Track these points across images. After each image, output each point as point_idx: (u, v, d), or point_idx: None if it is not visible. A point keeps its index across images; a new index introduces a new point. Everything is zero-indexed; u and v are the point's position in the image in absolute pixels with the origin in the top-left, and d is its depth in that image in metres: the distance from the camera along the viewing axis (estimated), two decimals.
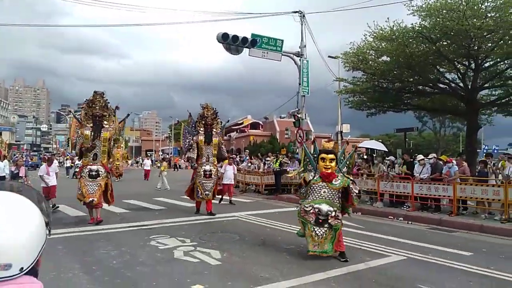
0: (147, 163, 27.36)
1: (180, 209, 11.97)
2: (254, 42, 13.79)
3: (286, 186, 15.83)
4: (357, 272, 5.54)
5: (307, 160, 6.80)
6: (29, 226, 0.95)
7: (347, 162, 6.84)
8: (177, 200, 13.85)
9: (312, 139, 6.89)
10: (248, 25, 16.08)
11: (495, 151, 37.68)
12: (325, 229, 5.99)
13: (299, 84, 15.11)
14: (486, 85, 16.44)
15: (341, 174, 6.35)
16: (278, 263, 5.92)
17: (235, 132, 64.13)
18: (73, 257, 6.16)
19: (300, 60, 15.26)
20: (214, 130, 10.93)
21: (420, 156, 12.14)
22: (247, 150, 31.82)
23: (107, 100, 9.65)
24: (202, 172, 10.57)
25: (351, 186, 6.22)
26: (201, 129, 10.85)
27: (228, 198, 13.49)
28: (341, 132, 25.95)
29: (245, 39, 13.48)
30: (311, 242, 6.05)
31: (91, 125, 9.30)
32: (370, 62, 16.59)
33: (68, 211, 11.15)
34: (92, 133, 9.21)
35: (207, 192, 10.49)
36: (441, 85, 16.69)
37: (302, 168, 6.95)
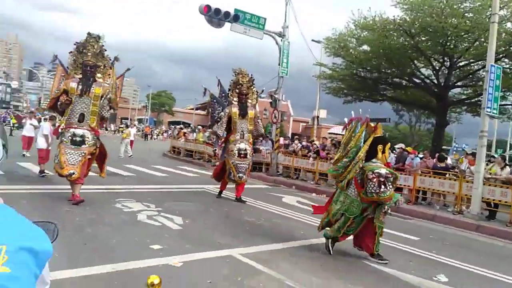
0: (132, 132, 21.43)
1: (149, 177, 12.06)
2: (236, 17, 13.68)
3: (258, 164, 16.11)
4: (310, 246, 5.88)
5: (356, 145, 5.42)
6: None
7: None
8: (148, 169, 13.89)
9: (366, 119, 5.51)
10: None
11: (464, 148, 39.27)
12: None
13: (279, 64, 15.18)
14: (458, 83, 17.08)
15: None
16: (237, 232, 6.19)
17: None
18: (35, 212, 6.21)
19: (282, 40, 15.29)
20: (250, 101, 9.40)
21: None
22: None
23: (103, 46, 7.68)
24: (236, 151, 9.00)
25: None
26: (235, 99, 9.27)
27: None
28: (318, 117, 26.36)
29: (227, 13, 13.35)
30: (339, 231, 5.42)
31: (80, 76, 7.40)
32: (351, 50, 16.87)
33: (35, 169, 11.04)
34: (80, 87, 7.26)
35: (240, 175, 8.99)
36: (416, 80, 17.21)
37: (342, 155, 5.53)
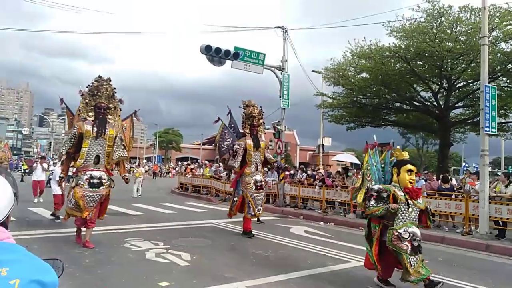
0: (142, 171, 22.61)
1: (157, 215, 12.19)
2: (236, 55, 14.24)
3: (265, 196, 16.14)
4: (316, 275, 5.92)
5: (368, 168, 5.62)
6: (3, 195, 1.33)
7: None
8: (155, 207, 14.06)
9: (374, 143, 5.56)
10: (233, 37, 16.53)
11: (476, 168, 38.91)
12: (419, 255, 5.03)
13: (280, 97, 15.59)
14: (459, 104, 17.30)
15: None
16: (243, 265, 6.27)
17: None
18: (47, 254, 6.34)
19: (281, 73, 15.78)
20: (259, 132, 9.47)
21: None
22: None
23: (114, 89, 7.79)
24: (253, 184, 8.97)
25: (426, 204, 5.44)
26: (247, 131, 9.30)
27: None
28: (323, 145, 26.58)
29: (227, 51, 13.92)
30: (406, 273, 5.05)
31: (92, 118, 7.41)
32: (350, 78, 17.30)
33: (46, 213, 11.27)
34: (96, 129, 7.31)
35: (259, 208, 9.03)
36: (416, 103, 17.48)
37: (361, 182, 5.64)
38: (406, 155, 5.49)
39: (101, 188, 7.24)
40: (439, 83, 16.14)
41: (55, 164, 14.15)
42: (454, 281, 5.86)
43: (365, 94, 17.17)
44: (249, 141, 9.11)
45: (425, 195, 11.02)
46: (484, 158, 9.44)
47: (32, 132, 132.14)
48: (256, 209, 8.95)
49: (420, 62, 15.17)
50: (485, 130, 9.43)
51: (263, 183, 9.29)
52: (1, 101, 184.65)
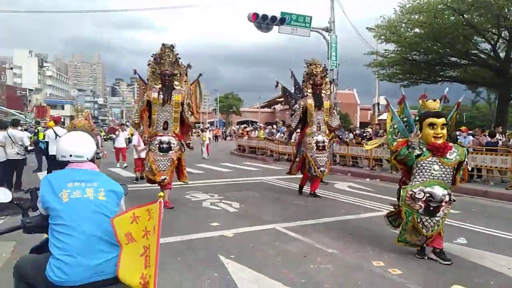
0: (207, 135, 22.20)
1: (216, 173, 13.64)
2: (283, 20, 14.69)
3: None
4: (345, 220, 6.83)
5: (394, 126, 5.24)
6: (91, 144, 2.47)
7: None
8: (215, 166, 15.61)
9: (401, 97, 5.15)
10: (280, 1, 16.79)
11: None
12: (438, 219, 4.69)
13: (328, 58, 15.87)
14: None
15: (454, 144, 4.89)
16: (283, 212, 7.35)
17: (279, 104, 65.07)
18: (128, 205, 7.91)
19: (329, 35, 15.94)
20: (324, 91, 9.14)
21: None
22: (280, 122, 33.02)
23: (177, 55, 7.91)
24: (314, 144, 8.84)
25: (466, 159, 4.83)
26: (309, 90, 9.05)
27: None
28: (378, 104, 26.32)
29: (274, 17, 14.42)
30: (413, 233, 4.82)
31: (159, 86, 7.70)
32: (402, 34, 16.91)
33: (124, 173, 13.20)
34: (162, 96, 7.61)
35: (322, 169, 8.84)
36: (473, 57, 16.71)
37: (389, 136, 5.23)
38: (431, 105, 4.83)
39: (170, 152, 7.58)
40: (498, 34, 15.22)
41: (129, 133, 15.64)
42: (477, 227, 6.39)
43: (418, 50, 16.73)
44: (310, 101, 8.93)
45: (471, 150, 11.10)
46: None
47: (106, 102, 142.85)
48: (319, 170, 8.79)
49: (476, 13, 14.41)
50: None
51: (326, 143, 8.99)
52: (78, 74, 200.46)
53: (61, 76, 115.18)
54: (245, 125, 37.99)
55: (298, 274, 4.26)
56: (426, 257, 4.85)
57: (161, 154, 7.55)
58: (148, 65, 7.97)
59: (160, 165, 7.54)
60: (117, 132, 15.62)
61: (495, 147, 10.81)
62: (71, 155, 2.38)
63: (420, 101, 5.00)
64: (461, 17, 14.30)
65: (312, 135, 8.90)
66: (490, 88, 22.56)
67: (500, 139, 11.53)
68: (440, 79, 19.33)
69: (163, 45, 7.89)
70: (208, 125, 63.65)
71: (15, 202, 2.52)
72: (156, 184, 7.86)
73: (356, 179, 12.71)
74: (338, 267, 4.51)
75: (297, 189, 9.73)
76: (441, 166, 4.65)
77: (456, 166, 4.73)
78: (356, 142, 15.07)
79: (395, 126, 5.24)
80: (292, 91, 9.97)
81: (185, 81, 8.07)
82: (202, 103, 9.09)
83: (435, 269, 4.53)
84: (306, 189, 9.43)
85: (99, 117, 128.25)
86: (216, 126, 59.16)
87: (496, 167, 10.44)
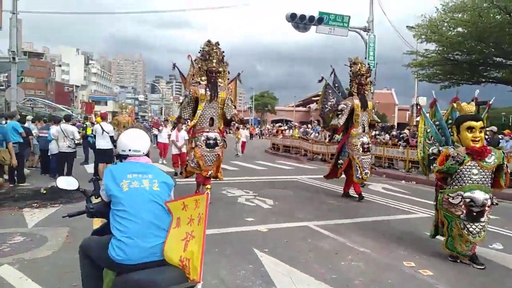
0: (243, 133, 21.01)
1: (250, 171, 13.95)
2: (321, 20, 14.78)
3: None
4: (376, 221, 6.89)
5: (427, 130, 5.28)
6: (147, 140, 2.80)
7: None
8: (249, 164, 15.93)
9: (432, 100, 5.19)
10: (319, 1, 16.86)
11: None
12: (483, 224, 4.62)
13: (366, 58, 15.75)
14: None
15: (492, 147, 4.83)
16: (316, 211, 7.50)
17: (314, 103, 64.72)
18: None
19: (367, 34, 15.82)
20: (367, 91, 8.95)
21: None
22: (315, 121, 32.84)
23: (223, 52, 7.97)
24: (360, 146, 8.57)
25: (505, 162, 4.75)
26: (355, 90, 8.81)
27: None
28: (417, 104, 25.63)
29: (312, 17, 14.54)
30: (462, 243, 4.69)
31: (205, 82, 7.76)
32: (443, 34, 16.46)
33: (164, 168, 13.79)
34: (209, 93, 7.65)
35: (366, 171, 8.63)
36: None
37: (423, 143, 5.31)
38: (467, 108, 4.76)
39: (216, 148, 7.75)
40: None
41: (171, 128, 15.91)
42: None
43: (460, 49, 16.20)
44: (357, 101, 8.64)
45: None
46: None
47: (146, 99, 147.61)
48: (364, 173, 8.56)
49: None
50: None
51: (370, 145, 8.87)
52: (120, 71, 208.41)
53: (104, 73, 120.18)
54: (279, 123, 38.13)
55: (329, 270, 4.43)
56: (458, 260, 4.88)
57: (208, 150, 7.69)
58: (194, 61, 8.10)
59: (207, 161, 7.72)
60: (160, 128, 15.87)
61: None
62: (130, 150, 2.71)
63: (455, 104, 4.97)
64: (507, 16, 13.73)
65: (358, 136, 8.67)
66: None
67: None
68: (483, 80, 18.61)
69: (209, 42, 7.89)
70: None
71: (81, 190, 2.88)
72: (194, 180, 8.23)
73: (391, 180, 12.60)
74: (369, 266, 4.64)
75: (331, 189, 9.89)
76: (480, 170, 4.58)
77: (494, 169, 4.66)
78: (392, 144, 14.87)
79: (428, 130, 5.28)
80: (335, 88, 9.59)
81: (227, 79, 8.27)
82: (237, 101, 9.19)
83: (467, 272, 4.55)
84: (339, 189, 9.51)
85: (139, 113, 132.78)
86: (251, 124, 59.69)
87: None
